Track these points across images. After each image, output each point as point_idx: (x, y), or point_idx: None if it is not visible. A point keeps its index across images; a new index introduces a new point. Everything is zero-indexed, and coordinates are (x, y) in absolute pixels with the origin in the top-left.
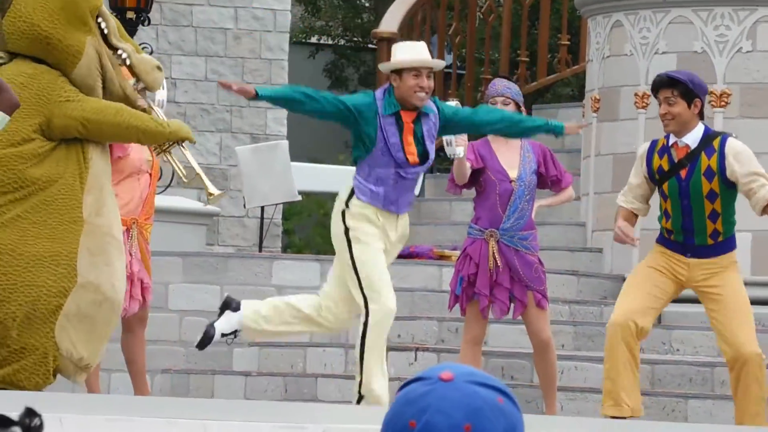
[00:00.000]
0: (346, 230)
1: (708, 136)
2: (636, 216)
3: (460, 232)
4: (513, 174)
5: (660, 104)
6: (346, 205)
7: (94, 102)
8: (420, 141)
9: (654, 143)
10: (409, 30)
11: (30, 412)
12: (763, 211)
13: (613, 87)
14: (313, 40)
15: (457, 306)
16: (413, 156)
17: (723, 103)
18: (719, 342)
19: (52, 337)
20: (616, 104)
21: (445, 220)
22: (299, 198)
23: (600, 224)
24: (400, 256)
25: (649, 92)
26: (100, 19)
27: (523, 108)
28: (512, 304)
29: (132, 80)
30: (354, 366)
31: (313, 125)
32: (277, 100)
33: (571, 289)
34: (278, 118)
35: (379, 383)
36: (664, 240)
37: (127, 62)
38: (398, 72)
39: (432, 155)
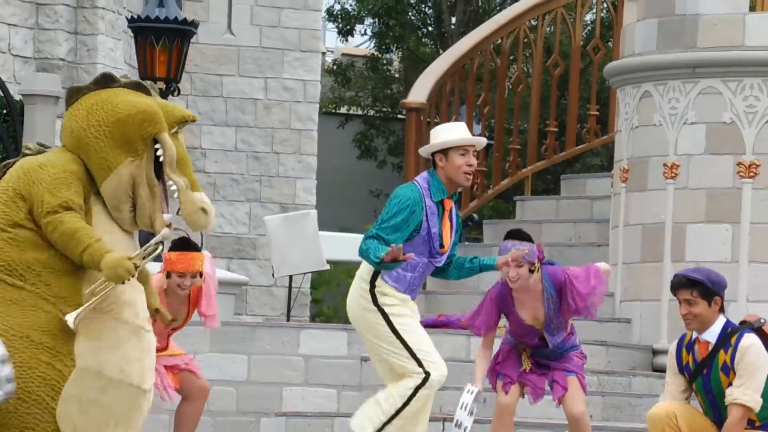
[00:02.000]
0: (380, 308)
1: (728, 333)
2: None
3: None
4: (538, 325)
5: (680, 304)
6: (372, 284)
7: (69, 224)
8: (452, 229)
9: (682, 338)
10: (437, 100)
11: None
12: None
13: (641, 157)
14: (343, 110)
15: (487, 379)
16: (447, 244)
17: (752, 174)
18: None
19: (53, 422)
20: (644, 174)
21: (474, 290)
22: (328, 267)
23: (628, 294)
24: (428, 326)
25: (678, 162)
26: (158, 145)
27: (536, 265)
28: (552, 386)
29: (168, 215)
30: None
31: (342, 195)
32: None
33: (599, 359)
34: (308, 188)
35: None
36: None
37: (175, 195)
38: (443, 152)
39: (453, 245)
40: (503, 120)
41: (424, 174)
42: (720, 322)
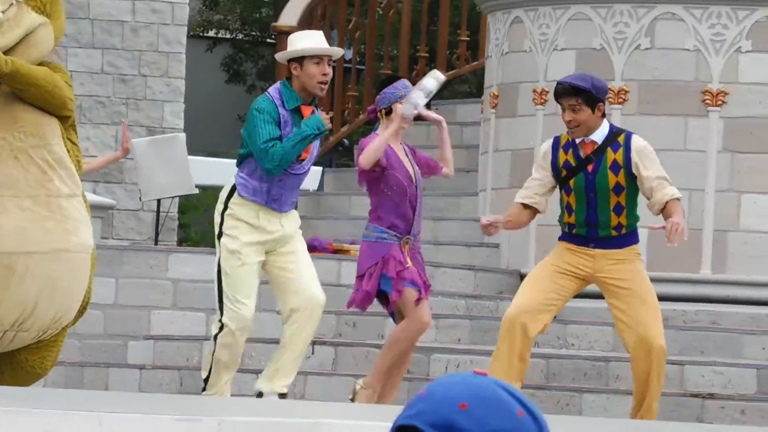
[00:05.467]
0: (220, 233)
1: (613, 133)
2: (532, 213)
3: (358, 227)
4: (413, 176)
5: (564, 110)
6: (226, 205)
7: None
8: None
9: (557, 140)
10: (308, 24)
11: None
12: (660, 211)
13: (511, 83)
14: (211, 33)
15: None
16: (308, 152)
17: (621, 100)
18: (625, 335)
19: None
20: (514, 100)
21: (344, 215)
22: (196, 191)
23: None
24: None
25: (547, 89)
26: None
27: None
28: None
29: None
30: (251, 360)
31: (210, 119)
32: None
33: (467, 283)
34: (175, 111)
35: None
36: (567, 236)
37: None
38: (298, 61)
39: (316, 153)
40: (374, 45)
41: (277, 84)
42: (605, 125)
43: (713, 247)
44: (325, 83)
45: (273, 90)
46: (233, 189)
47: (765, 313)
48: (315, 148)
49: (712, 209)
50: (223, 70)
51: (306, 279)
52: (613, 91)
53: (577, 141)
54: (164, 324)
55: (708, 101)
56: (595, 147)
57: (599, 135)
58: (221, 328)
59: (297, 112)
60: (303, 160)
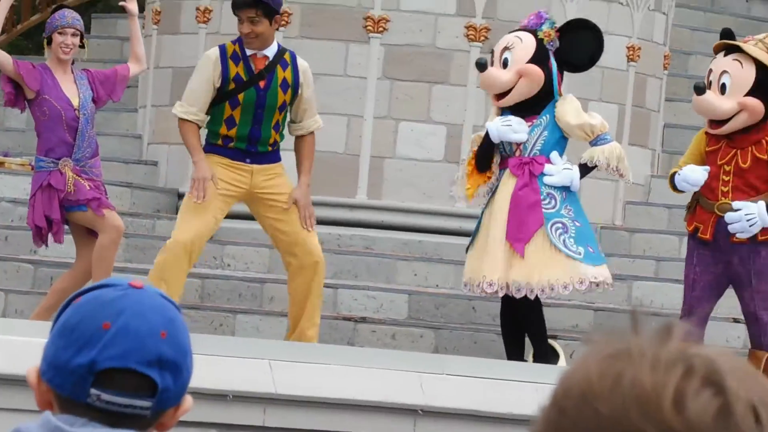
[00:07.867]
0: None
1: (280, 50)
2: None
3: (13, 139)
4: (75, 102)
5: (242, 22)
6: None
7: None
8: None
9: (224, 50)
10: None
11: None
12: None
13: (174, 0)
14: None
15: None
16: None
17: (284, 23)
18: (288, 248)
19: None
20: (177, 17)
21: None
22: None
23: (156, 137)
24: None
25: (211, 7)
26: None
27: (86, 41)
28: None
29: None
30: None
31: None
32: None
33: (124, 201)
34: None
35: None
36: (220, 149)
37: None
38: None
39: None
40: None
41: None
42: (275, 41)
43: (370, 173)
44: None
45: None
46: None
47: (417, 240)
48: None
49: (370, 135)
50: None
51: None
52: None
53: (249, 53)
54: None
55: (369, 27)
56: (267, 62)
57: (271, 50)
58: None
59: None
60: None
